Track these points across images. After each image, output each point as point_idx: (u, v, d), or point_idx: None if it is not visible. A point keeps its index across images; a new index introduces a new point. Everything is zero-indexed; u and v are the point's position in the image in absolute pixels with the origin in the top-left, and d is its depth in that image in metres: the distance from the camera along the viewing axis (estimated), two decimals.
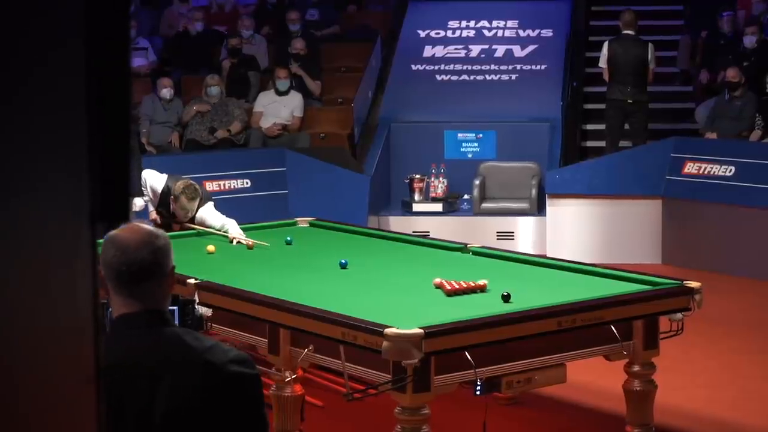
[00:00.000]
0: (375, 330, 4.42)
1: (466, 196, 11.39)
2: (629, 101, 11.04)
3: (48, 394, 1.15)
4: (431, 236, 8.16)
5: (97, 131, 1.12)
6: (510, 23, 13.14)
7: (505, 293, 4.99)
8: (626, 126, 11.30)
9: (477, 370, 4.54)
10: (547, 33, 12.96)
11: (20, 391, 1.14)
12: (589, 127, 12.46)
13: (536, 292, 5.15)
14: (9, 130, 1.15)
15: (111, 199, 1.12)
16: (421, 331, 4.37)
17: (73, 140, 1.13)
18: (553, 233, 10.62)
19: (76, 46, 1.19)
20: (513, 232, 10.86)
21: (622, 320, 5.08)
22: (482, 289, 5.21)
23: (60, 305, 1.14)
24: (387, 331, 4.36)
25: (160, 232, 2.66)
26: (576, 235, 10.56)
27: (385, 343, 4.34)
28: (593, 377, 6.28)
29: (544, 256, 7.72)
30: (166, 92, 11.35)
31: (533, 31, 13.00)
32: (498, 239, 10.50)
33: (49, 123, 1.17)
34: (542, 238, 10.70)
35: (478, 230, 10.62)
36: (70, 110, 1.19)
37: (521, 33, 13.03)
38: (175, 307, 2.89)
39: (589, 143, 12.26)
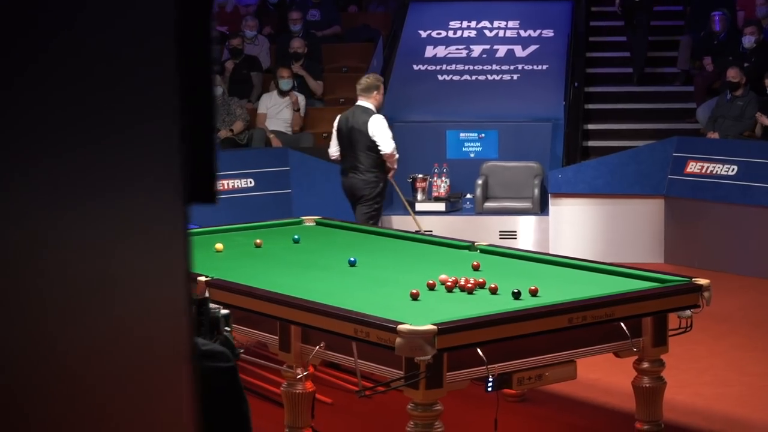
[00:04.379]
0: (388, 327, 4.44)
1: (468, 196, 11.41)
2: None
3: (145, 374, 1.18)
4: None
5: (188, 120, 1.20)
6: (511, 23, 13.17)
7: (516, 290, 5.01)
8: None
9: (489, 366, 4.55)
10: (548, 33, 12.98)
11: (119, 371, 1.16)
12: (591, 126, 12.48)
13: (546, 290, 5.17)
14: (111, 119, 1.24)
15: (201, 181, 1.17)
16: (434, 327, 4.38)
17: (166, 127, 1.20)
18: (556, 233, 10.64)
19: (168, 44, 1.30)
20: (515, 232, 10.87)
21: (631, 317, 5.10)
22: (482, 285, 5.22)
23: (157, 286, 1.17)
24: (400, 327, 4.37)
25: None
26: (578, 235, 10.58)
27: (398, 340, 4.35)
28: (602, 374, 6.31)
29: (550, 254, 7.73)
30: None
31: (534, 31, 13.03)
32: (501, 238, 10.51)
33: (145, 111, 1.26)
34: (545, 237, 10.71)
35: (481, 229, 10.63)
36: (164, 100, 1.26)
37: (522, 33, 13.05)
38: None
39: (591, 143, 12.28)
